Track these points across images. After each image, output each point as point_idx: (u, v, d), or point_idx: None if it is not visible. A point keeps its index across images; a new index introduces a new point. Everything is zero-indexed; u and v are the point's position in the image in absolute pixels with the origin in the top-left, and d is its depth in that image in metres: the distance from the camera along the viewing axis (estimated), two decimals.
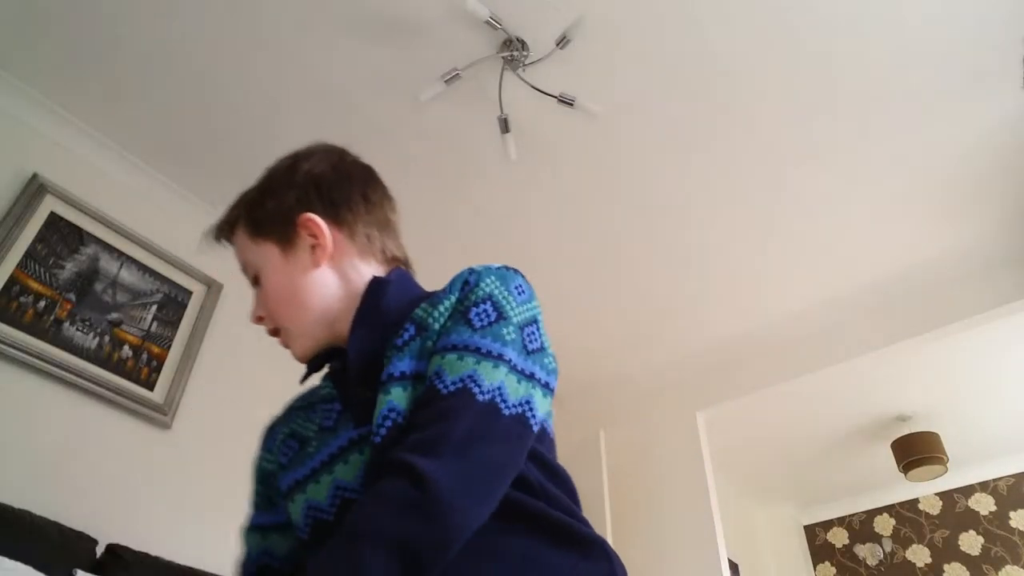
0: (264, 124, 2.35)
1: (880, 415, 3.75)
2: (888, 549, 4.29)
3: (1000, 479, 4.05)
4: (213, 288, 2.57)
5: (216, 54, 2.13)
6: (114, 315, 2.25)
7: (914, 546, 4.19)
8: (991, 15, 1.96)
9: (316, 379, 0.91)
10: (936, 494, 4.24)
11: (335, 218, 0.82)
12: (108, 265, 2.30)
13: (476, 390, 0.64)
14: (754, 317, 3.16)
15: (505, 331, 0.69)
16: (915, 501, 4.31)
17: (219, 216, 0.87)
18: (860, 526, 4.47)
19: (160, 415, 2.21)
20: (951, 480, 4.13)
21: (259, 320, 0.84)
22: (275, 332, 0.84)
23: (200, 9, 2.01)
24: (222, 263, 2.67)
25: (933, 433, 3.67)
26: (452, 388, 0.64)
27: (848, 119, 2.27)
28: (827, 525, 4.62)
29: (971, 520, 4.04)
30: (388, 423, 0.66)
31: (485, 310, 0.69)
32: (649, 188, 2.55)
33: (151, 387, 2.24)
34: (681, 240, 2.76)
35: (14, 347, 1.95)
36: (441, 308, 0.71)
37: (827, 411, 3.74)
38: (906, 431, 3.74)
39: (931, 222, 2.66)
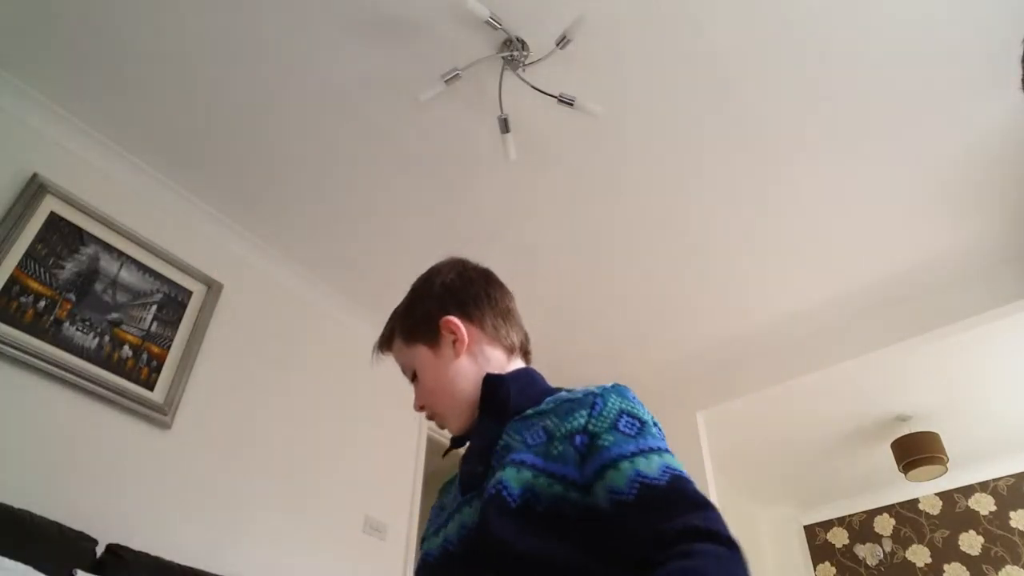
0: (264, 124, 2.35)
1: (880, 415, 3.75)
2: (888, 549, 4.29)
3: (1000, 479, 4.05)
4: (213, 288, 2.57)
5: (216, 54, 2.13)
6: (114, 315, 2.25)
7: (914, 546, 4.19)
8: (992, 15, 1.96)
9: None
10: (936, 494, 4.24)
11: (467, 315, 1.01)
12: (108, 265, 2.30)
13: (677, 469, 0.75)
14: (754, 317, 3.16)
15: (653, 431, 0.81)
16: (915, 501, 4.31)
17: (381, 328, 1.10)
18: (860, 526, 4.48)
19: (160, 415, 2.21)
20: (951, 480, 4.12)
21: (421, 408, 1.02)
22: (432, 416, 1.01)
23: (200, 9, 2.01)
24: (222, 263, 2.68)
25: (933, 433, 3.67)
26: (664, 478, 0.73)
27: (849, 119, 2.27)
28: (827, 525, 4.62)
29: (971, 520, 4.04)
30: (493, 491, 0.78)
31: (629, 422, 0.81)
32: (649, 188, 2.55)
33: (151, 387, 2.24)
34: (681, 240, 2.76)
35: (14, 347, 1.95)
36: (569, 427, 0.81)
37: (827, 411, 3.74)
38: (906, 431, 3.74)
39: (931, 222, 2.66)
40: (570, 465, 0.78)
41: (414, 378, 1.03)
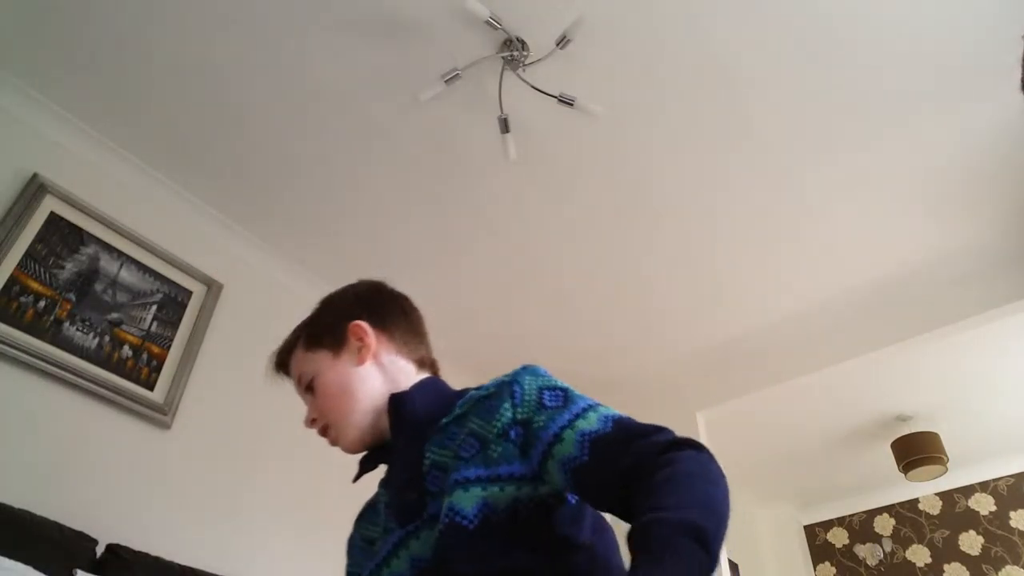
0: (264, 124, 2.35)
1: (880, 415, 3.75)
2: (888, 549, 4.29)
3: (1000, 479, 4.05)
4: (213, 288, 2.57)
5: (216, 54, 2.13)
6: (114, 315, 2.25)
7: (914, 546, 4.19)
8: (992, 15, 1.96)
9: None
10: (936, 494, 4.24)
11: (378, 323, 0.98)
12: (108, 265, 2.30)
13: (616, 415, 0.76)
14: (754, 317, 3.16)
15: (577, 394, 0.82)
16: (915, 501, 4.31)
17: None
18: (860, 526, 4.48)
19: (160, 415, 2.21)
20: (951, 480, 4.13)
21: (312, 423, 0.96)
22: (325, 430, 0.96)
23: (200, 8, 2.01)
24: (222, 263, 2.68)
25: (933, 433, 3.67)
26: (607, 426, 0.74)
27: (849, 120, 2.27)
28: (827, 525, 4.62)
29: (971, 520, 4.04)
30: (447, 520, 0.74)
31: (552, 395, 0.81)
32: (648, 188, 2.55)
33: (151, 387, 2.24)
34: (681, 240, 2.76)
35: (14, 347, 1.95)
36: (499, 424, 0.79)
37: (827, 411, 3.74)
38: (906, 431, 3.74)
39: (931, 222, 2.65)
40: (515, 462, 0.77)
41: (307, 389, 0.97)
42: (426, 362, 1.00)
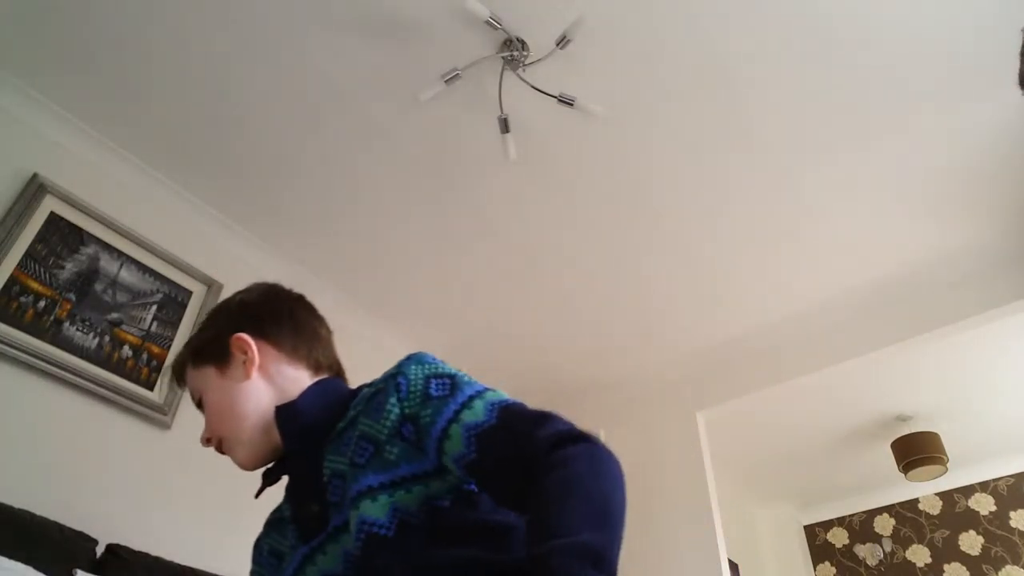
0: (264, 124, 2.35)
1: (880, 415, 3.75)
2: (888, 549, 4.29)
3: (1000, 479, 4.05)
4: (213, 288, 2.57)
5: (216, 53, 2.13)
6: (114, 315, 2.25)
7: (914, 546, 4.19)
8: (991, 15, 1.96)
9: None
10: (936, 494, 4.24)
11: (262, 333, 0.92)
12: (108, 265, 2.30)
13: (503, 401, 0.74)
14: (754, 317, 3.16)
15: (464, 380, 0.79)
16: (915, 501, 4.31)
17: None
18: (860, 526, 4.47)
19: (160, 415, 2.21)
20: (951, 480, 4.13)
21: (207, 441, 0.92)
22: (220, 447, 0.91)
23: (200, 8, 2.01)
24: (222, 263, 2.68)
25: (933, 433, 3.67)
26: (492, 417, 0.72)
27: (849, 120, 2.27)
28: (827, 525, 4.62)
29: (971, 520, 4.04)
30: (362, 535, 0.71)
31: (439, 383, 0.77)
32: (649, 188, 2.55)
33: (151, 387, 2.24)
34: (681, 240, 2.76)
35: (14, 347, 1.95)
36: (388, 423, 0.77)
37: (827, 411, 3.74)
38: (906, 431, 3.73)
39: (931, 222, 2.65)
40: (415, 460, 0.75)
41: (201, 405, 0.93)
42: (323, 365, 0.95)
